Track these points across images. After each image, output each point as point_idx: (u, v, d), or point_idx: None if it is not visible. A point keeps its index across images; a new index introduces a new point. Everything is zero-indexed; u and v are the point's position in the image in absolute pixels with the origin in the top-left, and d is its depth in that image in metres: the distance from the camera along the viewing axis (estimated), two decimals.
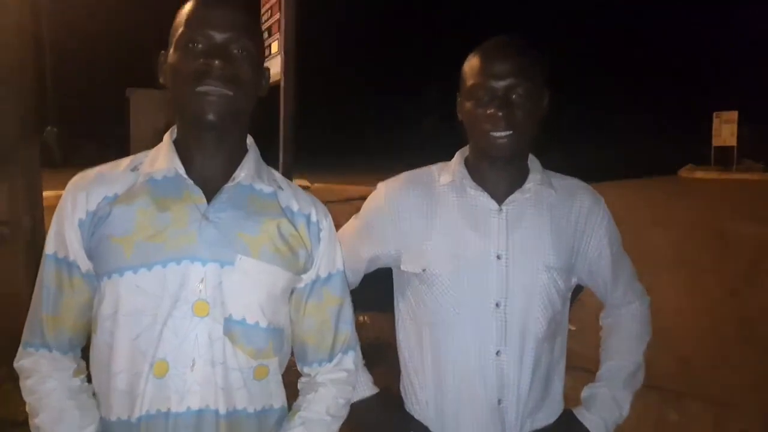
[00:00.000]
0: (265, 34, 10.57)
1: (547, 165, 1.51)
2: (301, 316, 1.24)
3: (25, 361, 1.09)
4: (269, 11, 9.94)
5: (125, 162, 1.17)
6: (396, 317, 1.51)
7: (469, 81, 1.34)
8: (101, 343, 1.09)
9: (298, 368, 1.31)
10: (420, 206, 1.40)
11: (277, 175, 1.27)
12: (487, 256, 1.33)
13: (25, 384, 1.07)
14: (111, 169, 1.15)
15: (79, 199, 1.10)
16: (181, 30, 1.09)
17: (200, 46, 1.07)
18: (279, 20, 9.30)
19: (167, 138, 1.17)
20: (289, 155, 9.67)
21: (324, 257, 1.23)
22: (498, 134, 1.28)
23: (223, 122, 1.09)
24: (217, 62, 1.05)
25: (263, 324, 1.13)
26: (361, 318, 4.43)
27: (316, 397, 1.22)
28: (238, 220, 1.11)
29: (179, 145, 1.15)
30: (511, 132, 1.28)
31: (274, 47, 9.91)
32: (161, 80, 1.15)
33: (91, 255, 1.09)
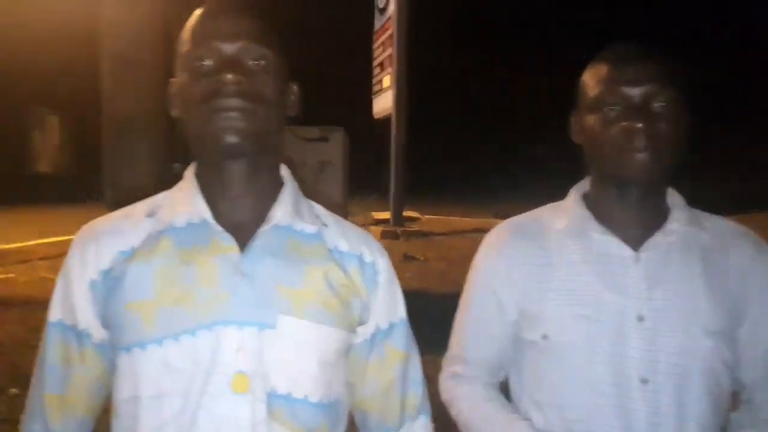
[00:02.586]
0: (378, 69, 10.83)
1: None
2: (361, 380, 1.02)
3: None
4: (381, 46, 10.18)
5: (141, 207, 0.97)
6: (512, 397, 1.20)
7: (594, 91, 1.07)
8: (122, 431, 0.91)
9: None
10: (532, 257, 1.13)
11: (321, 209, 1.04)
12: (626, 317, 1.05)
13: None
14: (124, 217, 0.96)
15: (89, 256, 0.92)
16: (186, 48, 0.91)
17: (209, 62, 0.88)
18: (391, 55, 9.46)
19: (189, 175, 0.97)
20: (400, 188, 9.72)
21: (383, 305, 1.01)
22: (636, 153, 1.02)
23: (246, 145, 0.88)
24: (229, 76, 0.86)
25: (314, 399, 0.91)
26: None
27: None
28: (277, 272, 0.90)
29: (202, 186, 0.95)
30: (653, 149, 1.02)
31: (386, 81, 10.12)
32: (172, 112, 0.95)
33: (106, 323, 0.91)
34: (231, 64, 0.88)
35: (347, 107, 14.17)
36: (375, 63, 10.67)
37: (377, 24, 10.39)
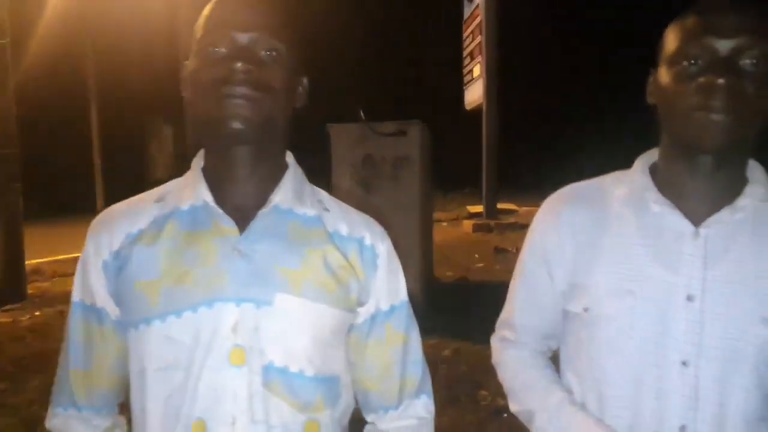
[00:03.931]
0: (467, 59, 10.66)
1: None
2: (361, 359, 1.06)
3: (55, 421, 1.02)
4: (471, 35, 10.01)
5: (152, 194, 1.04)
6: (560, 370, 1.17)
7: (675, 43, 0.95)
8: (135, 404, 0.98)
9: (363, 414, 1.12)
10: (586, 227, 1.08)
11: (324, 195, 1.08)
12: (673, 295, 0.98)
13: None
14: (137, 203, 1.02)
15: (102, 239, 0.99)
16: (200, 34, 0.95)
17: (222, 49, 0.92)
18: (480, 43, 9.27)
19: (195, 163, 1.03)
20: (493, 179, 9.51)
21: (383, 287, 1.04)
22: (712, 113, 0.89)
23: (252, 132, 0.92)
24: (239, 65, 0.90)
25: (309, 372, 0.96)
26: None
27: None
28: (276, 252, 0.95)
29: (208, 172, 1.00)
30: (732, 112, 0.89)
31: (476, 71, 9.93)
32: (183, 94, 1.00)
33: (117, 301, 0.98)
34: (242, 53, 0.91)
35: (440, 100, 14.08)
36: (465, 53, 10.51)
37: (466, 12, 10.23)
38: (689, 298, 0.97)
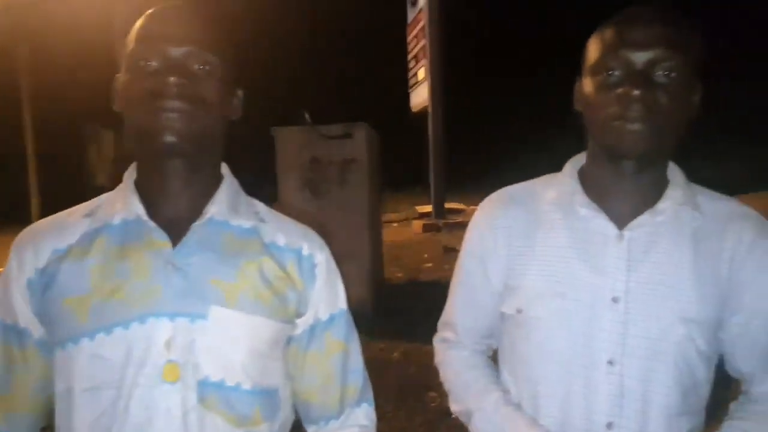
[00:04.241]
0: (412, 62, 10.76)
1: (693, 177, 1.09)
2: (300, 371, 1.05)
3: None
4: (415, 39, 10.11)
5: (80, 208, 1.01)
6: (499, 369, 1.21)
7: (595, 54, 0.99)
8: (59, 427, 0.94)
9: (304, 426, 1.12)
10: (520, 230, 1.10)
11: (261, 206, 1.07)
12: (599, 297, 1.01)
13: None
14: (64, 218, 0.99)
15: (26, 256, 0.95)
16: (132, 47, 0.94)
17: (154, 63, 0.92)
18: (424, 46, 9.37)
19: (127, 176, 1.01)
20: (440, 180, 9.63)
21: (322, 297, 1.04)
22: (628, 123, 0.94)
23: (185, 145, 0.92)
24: (172, 79, 0.89)
25: (247, 386, 0.95)
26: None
27: None
28: (210, 265, 0.94)
29: (140, 185, 0.99)
30: (647, 121, 0.94)
31: (421, 73, 10.04)
32: (114, 107, 0.99)
33: (42, 320, 0.95)
34: (175, 66, 0.91)
35: (388, 102, 14.15)
36: (410, 56, 10.60)
37: (410, 16, 10.32)
38: (614, 300, 1.00)
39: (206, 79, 0.93)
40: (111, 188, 1.04)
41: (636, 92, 0.92)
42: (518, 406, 1.08)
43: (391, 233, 8.26)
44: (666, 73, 0.93)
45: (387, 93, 14.93)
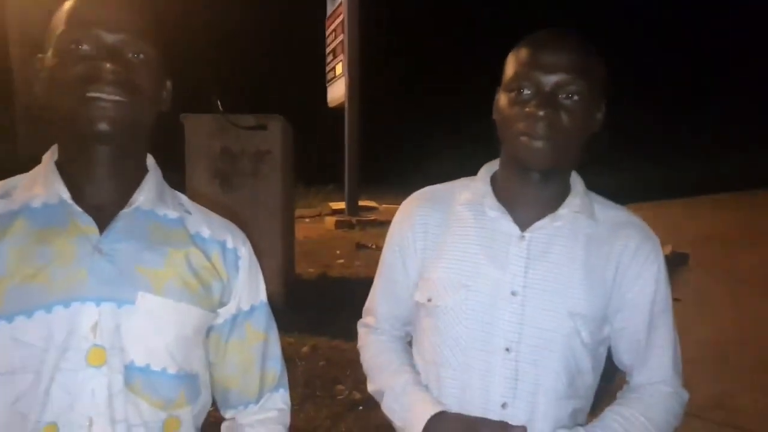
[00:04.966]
0: (330, 57, 10.71)
1: (593, 185, 1.21)
2: (221, 358, 1.09)
3: None
4: (333, 33, 10.06)
5: None
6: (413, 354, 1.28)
7: (510, 70, 1.10)
8: None
9: (220, 412, 1.15)
10: (435, 226, 1.20)
11: (185, 198, 1.10)
12: (500, 290, 1.12)
13: None
14: None
15: None
16: (61, 29, 0.92)
17: (86, 47, 0.91)
18: (342, 42, 9.35)
19: (47, 158, 0.99)
20: (354, 178, 9.66)
21: (245, 288, 1.08)
22: (534, 140, 1.05)
23: (117, 134, 0.92)
24: (108, 65, 0.89)
25: (172, 370, 0.98)
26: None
27: None
28: (137, 252, 0.96)
29: (63, 168, 0.98)
30: (550, 139, 1.05)
31: (339, 69, 10.01)
32: (35, 89, 0.96)
33: None
34: (110, 53, 0.91)
35: (305, 96, 14.00)
36: (327, 50, 10.54)
37: (329, 9, 10.26)
38: (513, 293, 1.11)
39: (141, 68, 0.93)
40: None
41: (541, 113, 1.03)
42: (425, 388, 1.17)
43: (304, 229, 8.21)
44: (570, 96, 1.05)
45: (304, 86, 14.76)
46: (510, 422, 1.08)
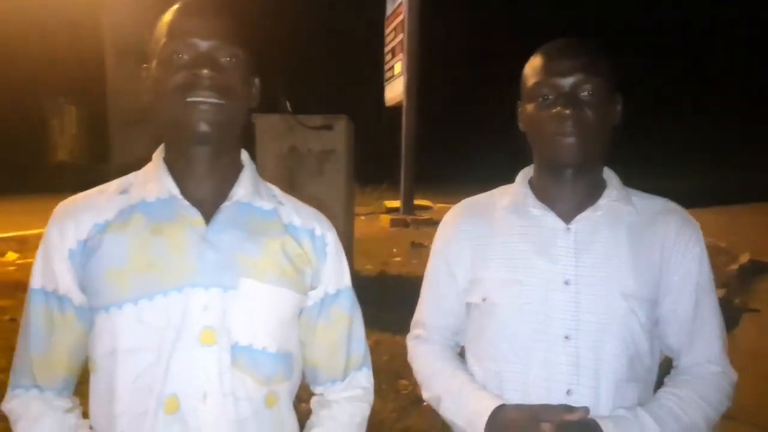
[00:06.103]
0: (389, 56, 10.79)
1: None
2: (311, 338, 1.17)
3: (14, 402, 1.04)
4: (393, 32, 10.14)
5: (113, 186, 1.10)
6: (466, 361, 1.32)
7: (530, 81, 1.19)
8: (100, 384, 1.02)
9: (311, 388, 1.23)
10: (480, 233, 1.27)
11: (276, 190, 1.19)
12: (553, 282, 1.18)
13: (17, 427, 1.03)
14: (98, 194, 1.08)
15: (67, 228, 1.03)
16: (163, 41, 1.02)
17: (185, 56, 1.00)
18: (402, 41, 9.42)
19: (157, 157, 1.09)
20: (410, 176, 9.72)
21: (332, 273, 1.16)
22: (565, 137, 1.14)
23: (216, 134, 1.01)
24: (205, 71, 0.98)
25: (272, 349, 1.06)
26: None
27: (330, 413, 1.16)
28: (239, 242, 1.04)
29: (169, 166, 1.08)
30: (579, 134, 1.14)
31: (397, 68, 10.08)
32: (145, 97, 1.07)
33: (84, 288, 1.03)
34: (206, 59, 0.99)
35: (361, 95, 14.15)
36: (386, 49, 10.62)
37: (389, 9, 10.33)
38: (566, 283, 1.17)
39: (233, 70, 1.01)
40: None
41: (567, 111, 1.13)
42: (483, 387, 1.22)
43: (360, 226, 8.30)
44: (588, 93, 1.14)
45: (362, 85, 14.90)
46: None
